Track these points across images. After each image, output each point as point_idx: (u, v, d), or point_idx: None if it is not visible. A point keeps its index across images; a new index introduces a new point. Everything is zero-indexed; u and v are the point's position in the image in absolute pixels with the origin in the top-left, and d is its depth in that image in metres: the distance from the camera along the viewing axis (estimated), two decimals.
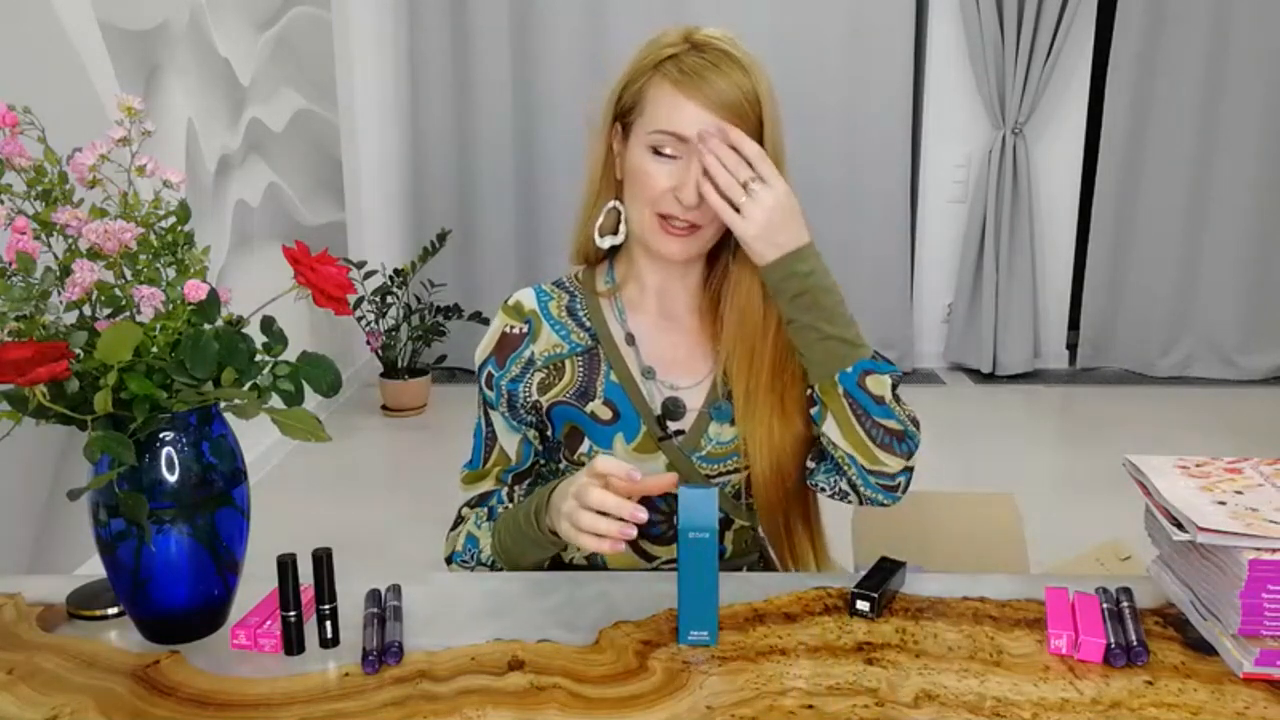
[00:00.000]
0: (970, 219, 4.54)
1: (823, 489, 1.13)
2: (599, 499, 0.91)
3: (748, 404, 1.10)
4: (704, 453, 1.13)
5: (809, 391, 1.08)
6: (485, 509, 1.18)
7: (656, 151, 1.05)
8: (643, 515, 0.90)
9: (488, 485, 1.19)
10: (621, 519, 0.90)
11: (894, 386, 1.06)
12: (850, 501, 1.12)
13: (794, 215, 1.03)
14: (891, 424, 1.05)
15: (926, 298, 4.74)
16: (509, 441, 1.17)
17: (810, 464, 1.13)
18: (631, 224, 1.11)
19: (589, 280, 1.19)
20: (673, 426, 1.13)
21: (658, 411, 1.13)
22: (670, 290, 1.16)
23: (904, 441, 1.06)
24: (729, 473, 1.14)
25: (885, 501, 1.10)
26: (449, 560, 1.18)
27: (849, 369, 1.04)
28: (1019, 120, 4.39)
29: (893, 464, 1.06)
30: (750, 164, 1.01)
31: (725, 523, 1.17)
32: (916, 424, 1.08)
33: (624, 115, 1.10)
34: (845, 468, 1.08)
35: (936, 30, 4.47)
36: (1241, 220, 4.45)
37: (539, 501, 1.04)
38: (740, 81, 1.03)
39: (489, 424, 1.18)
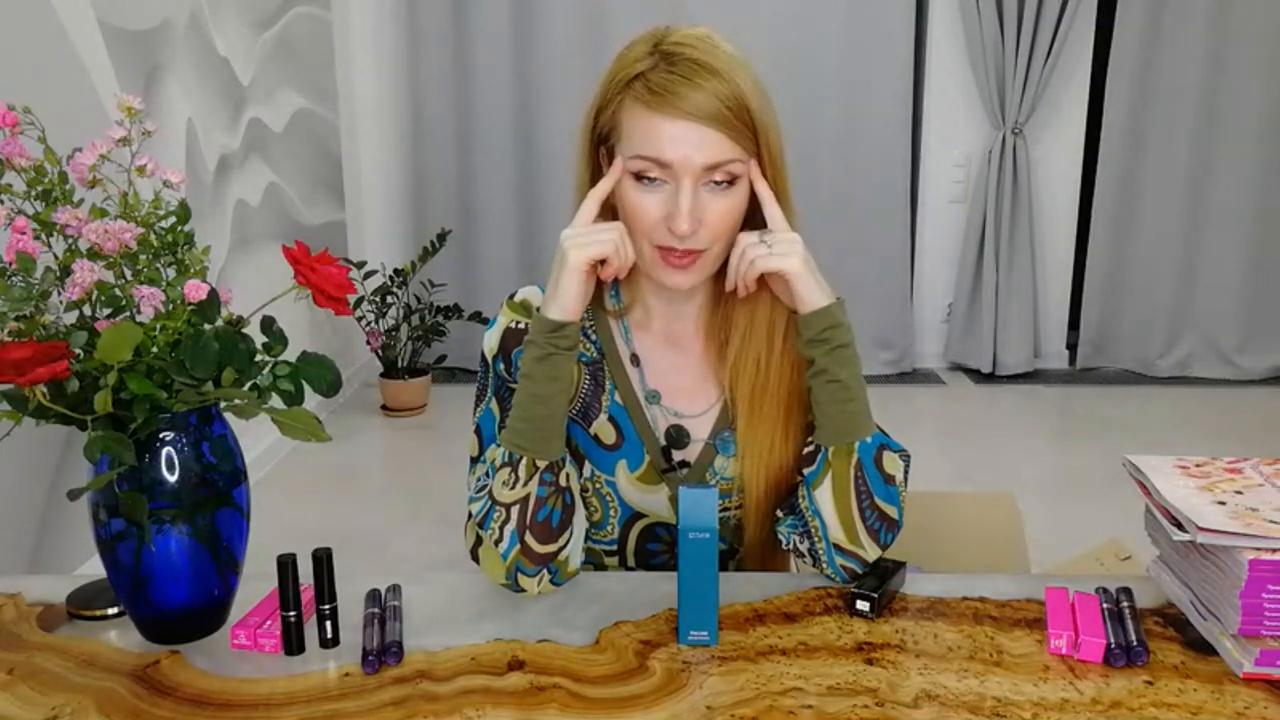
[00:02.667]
0: (970, 219, 4.54)
1: (779, 539, 1.07)
2: (584, 217, 1.00)
3: (751, 413, 1.07)
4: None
5: (810, 446, 1.04)
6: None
7: (641, 178, 0.99)
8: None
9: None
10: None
11: (905, 471, 1.03)
12: (805, 562, 1.07)
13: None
14: (889, 509, 1.01)
15: (926, 298, 4.74)
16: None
17: (779, 513, 1.08)
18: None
19: (596, 294, 1.13)
20: (678, 456, 1.11)
21: (662, 440, 1.10)
22: (677, 313, 1.12)
23: (891, 531, 1.02)
24: (734, 508, 1.11)
25: (838, 582, 1.04)
26: (474, 552, 1.05)
27: (869, 439, 1.01)
28: (1019, 120, 4.39)
29: (871, 552, 1.01)
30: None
31: (730, 553, 1.15)
32: (902, 515, 1.04)
33: (604, 141, 1.04)
34: (815, 538, 1.02)
35: (936, 30, 4.46)
36: (1241, 220, 4.45)
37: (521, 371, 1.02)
38: (717, 89, 0.96)
39: (501, 407, 1.10)
